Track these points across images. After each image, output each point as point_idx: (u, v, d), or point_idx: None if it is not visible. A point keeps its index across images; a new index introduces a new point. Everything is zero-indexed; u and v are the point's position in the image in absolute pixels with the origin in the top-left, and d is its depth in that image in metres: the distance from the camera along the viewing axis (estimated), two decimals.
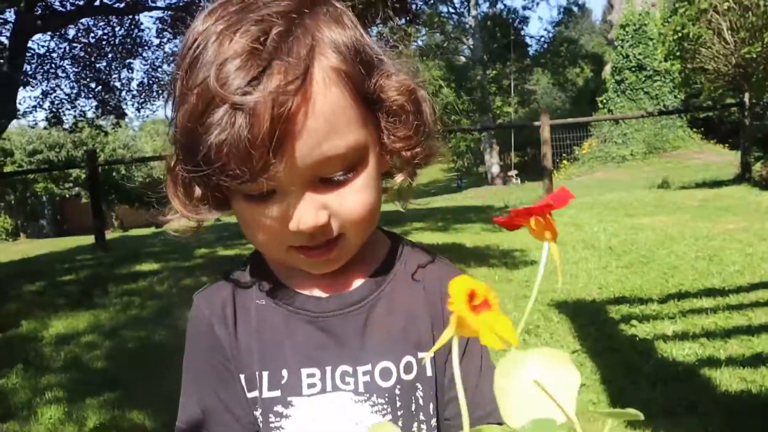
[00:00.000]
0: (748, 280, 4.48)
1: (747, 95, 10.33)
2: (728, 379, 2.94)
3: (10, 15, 9.92)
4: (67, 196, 23.52)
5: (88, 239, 10.15)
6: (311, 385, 0.73)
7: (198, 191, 0.70)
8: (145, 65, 12.72)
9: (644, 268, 5.12)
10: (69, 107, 12.15)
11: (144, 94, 12.89)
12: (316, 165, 0.63)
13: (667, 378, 3.00)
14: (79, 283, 6.22)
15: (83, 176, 20.00)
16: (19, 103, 9.71)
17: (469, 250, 6.30)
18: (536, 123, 10.95)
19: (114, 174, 21.71)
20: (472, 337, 0.65)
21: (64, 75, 11.92)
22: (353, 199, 0.67)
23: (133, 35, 11.91)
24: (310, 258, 0.70)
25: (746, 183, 9.84)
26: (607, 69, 21.57)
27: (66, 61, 11.78)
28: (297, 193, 0.64)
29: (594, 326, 3.82)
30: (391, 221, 6.97)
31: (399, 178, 0.75)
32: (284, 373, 0.74)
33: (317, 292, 0.77)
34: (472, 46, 26.86)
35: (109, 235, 12.77)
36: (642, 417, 0.45)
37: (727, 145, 18.58)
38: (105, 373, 3.70)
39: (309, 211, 0.65)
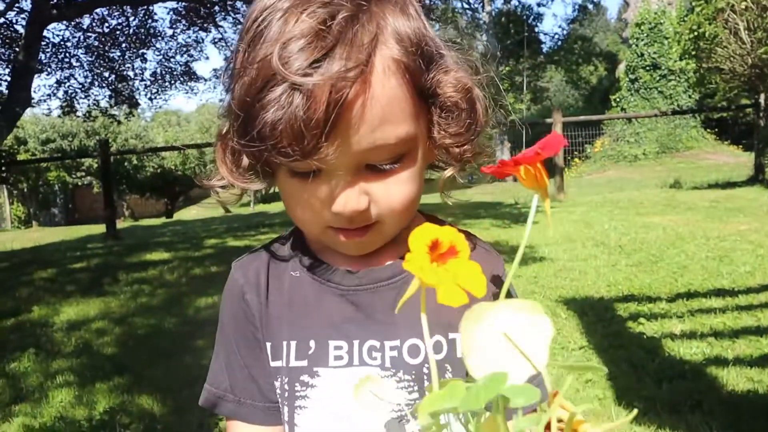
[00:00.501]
0: (758, 281, 4.45)
1: (762, 96, 10.23)
2: (735, 379, 2.93)
3: (26, 4, 10.01)
4: (79, 184, 23.68)
5: (99, 228, 10.24)
6: (338, 357, 0.75)
7: (246, 161, 0.71)
8: (158, 56, 12.78)
9: (654, 266, 5.10)
10: (82, 96, 12.22)
11: (157, 84, 12.94)
12: (366, 152, 0.63)
13: (673, 376, 3.00)
14: (90, 270, 6.28)
15: (95, 165, 20.15)
16: (34, 92, 9.78)
17: None
18: (548, 120, 10.90)
19: (126, 164, 21.82)
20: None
21: (78, 64, 11.97)
22: (396, 189, 0.68)
23: (147, 25, 11.95)
24: (346, 238, 0.71)
25: (759, 184, 9.76)
26: (621, 67, 21.40)
27: (80, 51, 11.83)
28: (343, 177, 0.65)
29: (601, 323, 3.82)
30: None
31: (448, 172, 0.76)
32: (311, 343, 0.75)
33: (350, 267, 0.78)
34: (485, 42, 26.76)
35: (120, 224, 12.87)
36: (605, 370, 0.44)
37: (740, 146, 18.42)
38: (115, 359, 3.75)
39: (352, 196, 0.66)
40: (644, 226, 6.89)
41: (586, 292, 4.52)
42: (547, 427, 0.43)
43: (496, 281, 0.77)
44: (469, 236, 0.81)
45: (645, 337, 3.53)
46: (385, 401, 0.54)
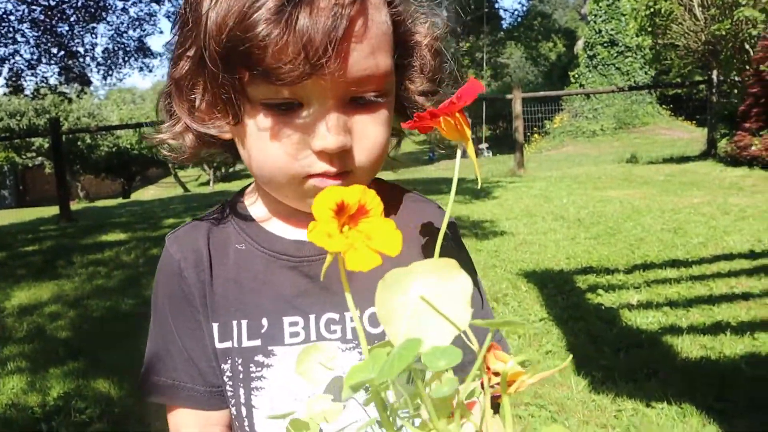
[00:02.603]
0: (710, 252, 4.58)
1: (715, 73, 10.47)
2: (689, 347, 3.01)
3: None
4: (30, 165, 22.90)
5: (53, 210, 9.93)
6: (294, 334, 0.71)
7: (204, 104, 0.66)
8: (109, 30, 12.33)
9: (611, 239, 5.20)
10: (29, 73, 11.72)
11: (110, 61, 12.50)
12: (357, 80, 0.62)
13: (630, 345, 3.07)
14: (43, 253, 6.09)
15: (46, 145, 19.48)
16: None
17: None
18: (508, 96, 10.96)
19: (79, 143, 21.16)
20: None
21: (23, 39, 11.48)
22: (374, 130, 0.66)
23: None
24: (323, 182, 0.65)
25: (712, 159, 10.02)
26: (580, 44, 21.63)
27: (25, 25, 11.34)
28: (329, 108, 0.62)
29: (561, 295, 3.88)
30: None
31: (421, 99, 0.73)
32: (264, 321, 0.71)
33: (300, 237, 0.73)
34: (445, 18, 26.65)
35: (74, 205, 12.51)
36: (524, 324, 0.44)
37: (694, 122, 18.87)
38: (69, 343, 3.64)
39: (338, 130, 0.62)
40: (602, 200, 7.01)
41: (546, 265, 4.58)
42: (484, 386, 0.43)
43: (430, 230, 0.74)
44: (398, 189, 0.80)
45: (603, 308, 3.60)
46: (329, 373, 0.50)
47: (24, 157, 22.16)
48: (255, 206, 0.77)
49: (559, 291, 3.96)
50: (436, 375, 0.42)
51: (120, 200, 16.41)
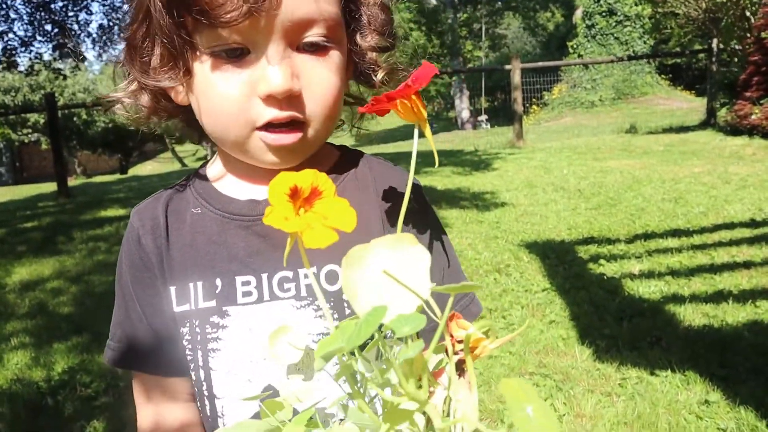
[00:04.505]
0: (711, 221, 4.58)
1: (715, 41, 10.35)
2: (691, 315, 3.02)
3: None
4: (26, 141, 22.72)
5: (50, 186, 9.89)
6: (246, 294, 0.71)
7: (156, 61, 0.67)
8: (104, 6, 12.13)
9: (612, 209, 5.19)
10: (23, 50, 11.56)
11: (105, 37, 12.31)
12: (301, 22, 0.62)
13: (633, 314, 3.08)
14: (42, 229, 6.07)
15: (42, 121, 19.31)
16: None
17: (440, 192, 6.30)
18: (507, 67, 10.85)
19: (75, 119, 20.97)
20: (431, 232, 0.62)
21: (16, 16, 11.31)
22: (326, 76, 0.66)
23: None
24: (275, 138, 0.66)
25: (711, 128, 9.97)
26: (578, 13, 21.35)
27: (18, 2, 11.17)
28: (275, 51, 0.63)
29: (563, 266, 3.88)
30: None
31: (378, 75, 0.74)
32: (218, 282, 0.71)
33: (254, 195, 0.74)
34: None
35: (72, 181, 12.46)
36: (481, 287, 0.45)
37: (693, 91, 18.74)
38: (72, 319, 3.65)
39: (285, 72, 0.62)
40: (602, 171, 6.99)
41: (547, 235, 4.58)
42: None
43: (393, 194, 0.76)
44: (362, 157, 0.80)
45: (605, 277, 3.61)
46: (300, 353, 0.52)
47: (20, 133, 21.98)
48: (213, 166, 0.79)
49: (560, 261, 3.96)
50: (378, 339, 0.43)
51: (118, 176, 16.33)
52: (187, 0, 0.59)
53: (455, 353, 0.45)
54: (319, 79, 0.66)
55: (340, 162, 0.79)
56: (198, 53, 0.64)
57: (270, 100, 0.64)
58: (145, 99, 0.71)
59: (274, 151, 0.68)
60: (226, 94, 0.64)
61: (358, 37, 0.72)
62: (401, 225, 0.53)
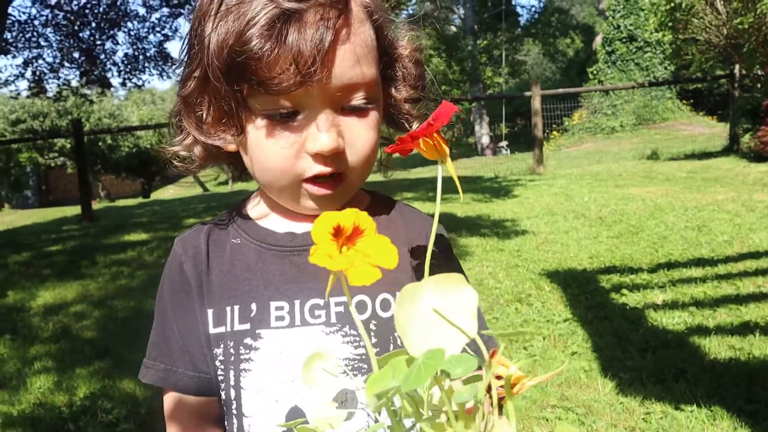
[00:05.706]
0: (736, 249, 4.51)
1: (737, 67, 10.29)
2: (716, 347, 2.96)
3: None
4: (53, 165, 23.16)
5: (75, 210, 10.05)
6: (279, 318, 0.76)
7: (210, 118, 0.73)
8: (129, 37, 12.44)
9: (634, 237, 5.14)
10: (52, 76, 11.87)
11: (130, 66, 12.61)
12: (346, 87, 0.68)
13: (657, 346, 3.03)
14: (66, 253, 6.16)
15: (68, 146, 19.70)
16: (0, 72, 9.50)
17: (461, 220, 6.29)
18: (527, 93, 10.88)
19: (100, 144, 21.37)
20: (445, 267, 0.64)
21: (46, 44, 11.63)
22: (365, 134, 0.73)
23: (118, 3, 11.61)
24: (319, 190, 0.73)
25: (734, 155, 9.87)
26: (598, 40, 21.41)
27: (48, 29, 11.49)
28: (324, 120, 0.69)
29: (585, 295, 3.84)
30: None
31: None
32: (253, 306, 0.77)
33: (292, 229, 0.80)
34: (462, 16, 26.52)
35: (96, 205, 12.65)
36: (531, 334, 0.47)
37: (715, 117, 18.60)
38: (95, 343, 3.68)
39: (331, 133, 0.69)
40: (623, 198, 6.93)
41: (568, 264, 4.54)
42: (490, 388, 0.47)
43: (422, 241, 0.81)
44: (392, 202, 0.87)
45: (628, 307, 3.56)
46: (335, 380, 0.55)
47: (46, 157, 22.43)
48: (256, 208, 0.85)
49: (582, 291, 3.92)
50: (436, 380, 0.45)
51: (140, 200, 16.56)
52: (244, 69, 0.65)
53: (494, 390, 0.46)
54: (360, 137, 0.73)
55: (371, 206, 0.84)
56: (251, 115, 0.70)
57: (317, 157, 0.70)
58: (198, 151, 0.77)
59: (316, 199, 0.75)
60: (276, 151, 0.71)
61: (393, 91, 0.79)
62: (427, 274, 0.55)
